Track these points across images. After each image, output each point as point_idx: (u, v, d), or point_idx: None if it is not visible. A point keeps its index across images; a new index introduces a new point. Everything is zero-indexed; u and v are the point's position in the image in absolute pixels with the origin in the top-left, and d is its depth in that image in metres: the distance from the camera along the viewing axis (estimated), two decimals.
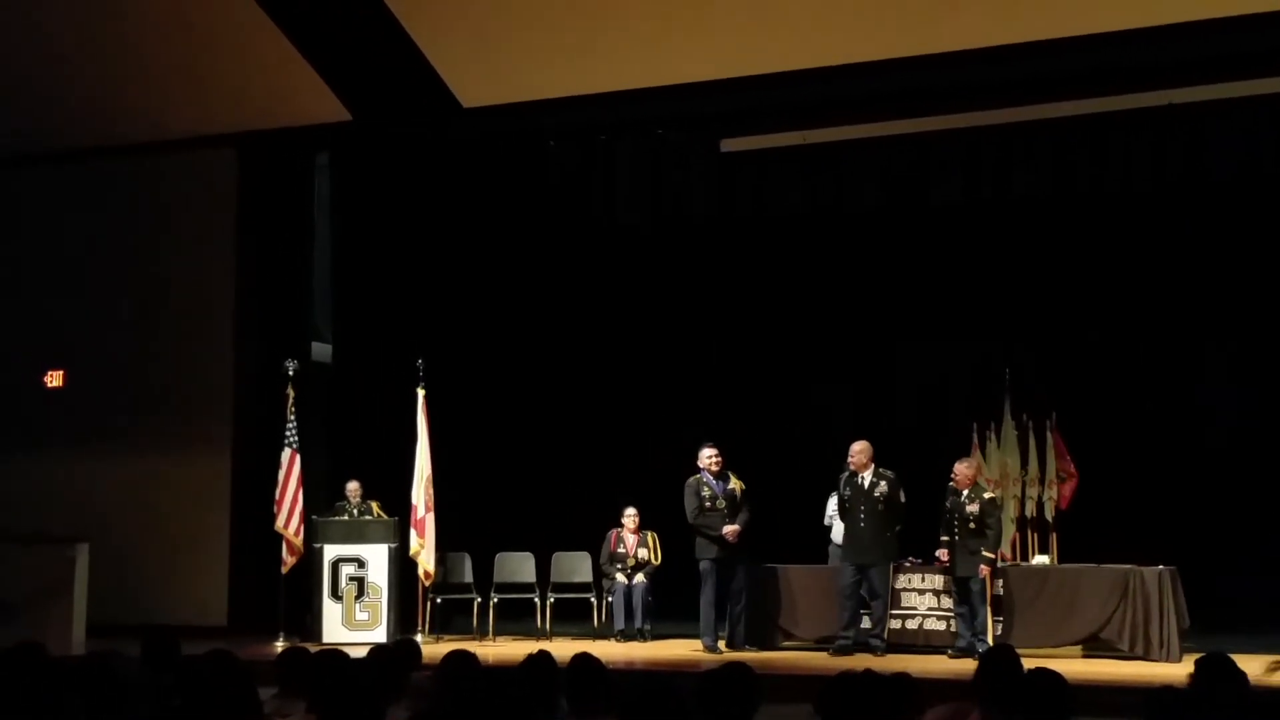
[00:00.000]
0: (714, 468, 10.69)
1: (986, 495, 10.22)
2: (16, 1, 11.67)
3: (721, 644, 10.58)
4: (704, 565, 10.61)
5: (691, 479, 10.73)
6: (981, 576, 9.95)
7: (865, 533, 10.36)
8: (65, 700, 3.93)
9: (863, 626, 10.37)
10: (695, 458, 10.81)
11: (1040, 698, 4.06)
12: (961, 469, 10.29)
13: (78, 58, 12.13)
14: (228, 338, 12.82)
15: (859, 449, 10.46)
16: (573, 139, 12.64)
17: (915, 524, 10.59)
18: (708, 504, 10.63)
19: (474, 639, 11.11)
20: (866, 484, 10.42)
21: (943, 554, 10.21)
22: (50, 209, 13.35)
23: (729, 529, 10.52)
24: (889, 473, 10.45)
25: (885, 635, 10.28)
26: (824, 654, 10.27)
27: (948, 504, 10.20)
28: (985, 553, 9.98)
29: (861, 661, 9.46)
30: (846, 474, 10.55)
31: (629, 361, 13.68)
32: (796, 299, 13.43)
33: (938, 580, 10.39)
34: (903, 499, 10.46)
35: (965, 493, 10.15)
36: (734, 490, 10.68)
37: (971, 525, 10.03)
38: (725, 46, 11.01)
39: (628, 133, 12.53)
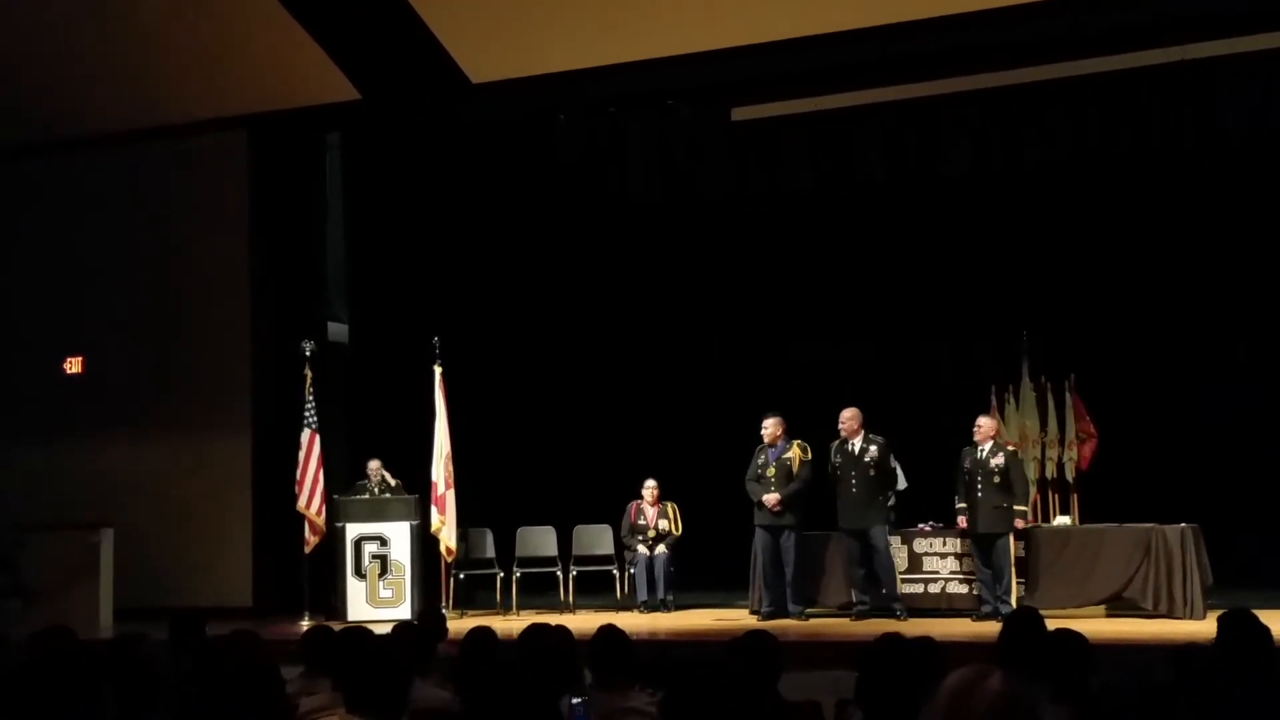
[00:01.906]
0: (767, 439, 10.70)
1: (1010, 449, 10.22)
2: None
3: (744, 610, 10.62)
4: (756, 531, 10.69)
5: (760, 445, 10.79)
6: (1021, 528, 9.94)
7: (858, 498, 10.40)
8: (98, 683, 3.96)
9: (883, 592, 10.39)
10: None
11: (1064, 658, 4.06)
12: (985, 421, 10.32)
13: (88, 45, 12.12)
14: (244, 320, 12.85)
15: (849, 415, 10.49)
16: (583, 112, 12.60)
17: (936, 487, 10.60)
18: (759, 471, 10.68)
19: (497, 614, 11.16)
20: (857, 450, 10.46)
21: (962, 520, 10.21)
22: (63, 195, 13.38)
23: (767, 497, 10.53)
24: (879, 438, 10.48)
25: (901, 599, 10.29)
26: (845, 620, 10.31)
27: (966, 464, 10.20)
28: (1018, 507, 9.98)
29: (883, 626, 9.48)
30: (837, 441, 10.57)
31: (644, 334, 13.66)
32: (811, 267, 13.38)
33: (958, 544, 10.39)
34: (893, 464, 10.54)
35: (988, 446, 10.15)
36: (789, 460, 10.63)
37: (996, 480, 10.02)
38: (735, 14, 10.95)
39: (638, 105, 12.49)
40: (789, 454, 10.65)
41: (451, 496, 11.40)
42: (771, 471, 10.61)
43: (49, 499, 12.27)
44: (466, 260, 13.51)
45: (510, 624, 10.50)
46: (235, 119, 12.71)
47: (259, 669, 3.49)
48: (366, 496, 11.56)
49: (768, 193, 12.76)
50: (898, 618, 10.06)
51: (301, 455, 11.37)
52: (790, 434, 10.78)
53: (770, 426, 10.70)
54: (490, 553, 12.00)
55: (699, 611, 11.23)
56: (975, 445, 10.22)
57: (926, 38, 10.83)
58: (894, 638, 3.60)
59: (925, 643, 4.13)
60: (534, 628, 5.03)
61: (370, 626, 5.63)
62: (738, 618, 10.66)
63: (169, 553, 12.33)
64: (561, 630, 5.02)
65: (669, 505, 11.69)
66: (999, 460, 10.07)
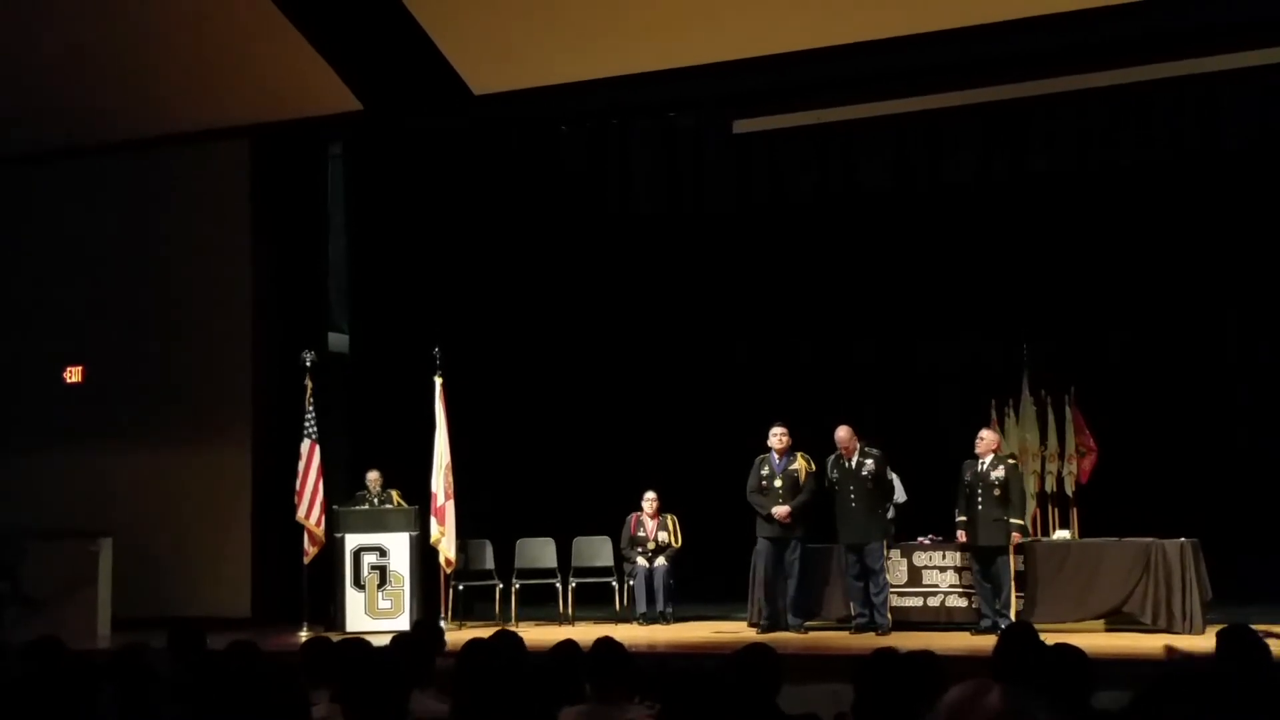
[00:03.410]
0: (778, 446, 10.70)
1: (1010, 461, 10.22)
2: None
3: (743, 623, 10.60)
4: (758, 543, 10.67)
5: (760, 457, 10.77)
6: (1017, 541, 9.94)
7: (857, 512, 10.40)
8: (97, 693, 3.95)
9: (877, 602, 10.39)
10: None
11: (1061, 673, 4.06)
12: (987, 434, 10.32)
13: (91, 54, 12.14)
14: (245, 330, 12.85)
15: (845, 436, 10.50)
16: (585, 124, 12.62)
17: (936, 500, 10.59)
18: (764, 482, 10.66)
19: (497, 625, 11.13)
20: (854, 464, 10.46)
21: (962, 534, 10.20)
22: (65, 205, 13.39)
23: (777, 509, 10.52)
24: (875, 451, 10.48)
25: (889, 614, 10.26)
26: (844, 633, 10.31)
27: (966, 476, 10.19)
28: (1014, 520, 9.97)
29: (877, 641, 9.47)
30: (834, 456, 10.57)
31: (645, 345, 13.68)
32: (812, 279, 13.40)
33: (958, 557, 10.38)
34: (891, 475, 10.54)
35: (989, 459, 10.14)
36: (795, 471, 10.64)
37: (996, 492, 10.02)
38: (736, 27, 10.97)
39: (640, 116, 12.51)
40: (795, 465, 10.66)
41: (451, 507, 11.38)
42: (778, 483, 10.60)
43: (49, 508, 12.27)
44: (467, 271, 13.51)
45: None
46: (237, 129, 12.72)
47: (275, 670, 3.49)
48: (366, 507, 11.56)
49: (769, 205, 12.78)
50: (879, 632, 10.05)
51: (301, 465, 11.34)
52: (792, 446, 10.77)
53: (780, 435, 10.70)
54: (489, 564, 11.99)
55: (698, 624, 11.22)
56: (976, 458, 10.22)
57: (929, 51, 10.85)
58: (888, 652, 3.60)
59: (925, 656, 4.12)
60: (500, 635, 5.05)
61: (369, 637, 5.62)
62: (737, 630, 10.65)
63: (168, 562, 12.32)
64: (567, 643, 5.02)
65: (669, 517, 11.68)
66: (999, 473, 10.07)
